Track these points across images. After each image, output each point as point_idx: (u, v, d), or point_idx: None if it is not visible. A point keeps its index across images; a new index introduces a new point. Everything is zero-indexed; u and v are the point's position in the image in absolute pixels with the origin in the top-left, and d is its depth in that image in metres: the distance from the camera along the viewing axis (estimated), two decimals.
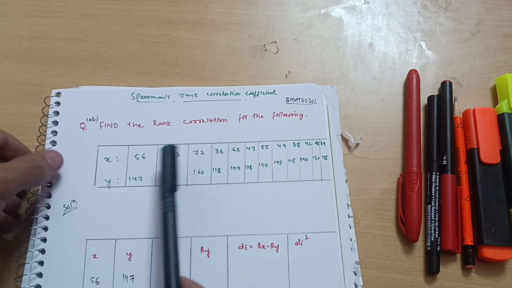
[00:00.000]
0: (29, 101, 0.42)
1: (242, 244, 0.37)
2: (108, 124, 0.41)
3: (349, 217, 0.38)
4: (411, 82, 0.43)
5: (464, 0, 0.48)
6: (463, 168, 0.40)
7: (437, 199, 0.39)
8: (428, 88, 0.44)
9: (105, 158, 0.40)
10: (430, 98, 0.43)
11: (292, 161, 0.40)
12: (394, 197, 0.40)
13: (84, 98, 0.42)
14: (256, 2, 0.47)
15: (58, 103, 0.41)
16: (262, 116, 0.41)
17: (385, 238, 0.39)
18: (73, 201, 0.38)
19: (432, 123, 0.41)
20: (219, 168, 0.39)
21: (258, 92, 0.42)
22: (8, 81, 0.43)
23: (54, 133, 0.40)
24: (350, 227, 0.38)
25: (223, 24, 0.46)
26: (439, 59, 0.45)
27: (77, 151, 0.40)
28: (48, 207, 0.38)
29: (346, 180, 0.39)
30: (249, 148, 0.40)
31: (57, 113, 0.41)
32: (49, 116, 0.41)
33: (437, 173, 0.39)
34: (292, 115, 0.41)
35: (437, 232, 0.37)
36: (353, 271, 0.36)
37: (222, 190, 0.39)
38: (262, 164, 0.40)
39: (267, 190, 0.39)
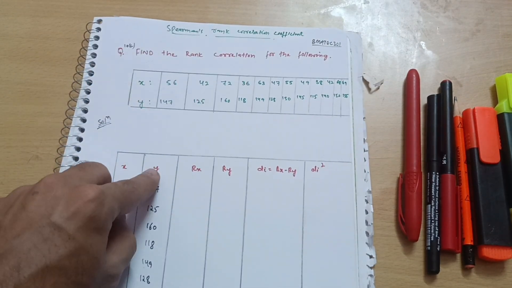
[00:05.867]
0: (29, 101, 0.42)
1: (262, 166, 0.39)
2: (144, 51, 0.43)
3: (364, 151, 0.40)
4: (411, 82, 0.43)
5: None
6: (463, 167, 0.40)
7: (437, 198, 0.39)
8: (428, 88, 0.44)
9: (139, 81, 0.42)
10: (430, 98, 0.43)
11: (314, 97, 0.42)
12: (394, 197, 0.40)
13: (123, 26, 0.45)
14: (256, 2, 0.47)
15: (98, 29, 0.44)
16: (288, 55, 0.43)
17: (385, 238, 0.39)
18: (107, 117, 0.41)
19: (432, 123, 0.41)
20: (245, 98, 0.42)
21: (286, 32, 0.44)
22: (8, 81, 0.43)
23: (94, 55, 0.43)
24: (365, 160, 0.40)
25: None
26: (439, 58, 0.45)
27: (113, 73, 0.42)
28: (84, 121, 0.41)
29: (364, 118, 0.41)
30: (273, 83, 0.42)
31: (97, 37, 0.44)
32: (89, 40, 0.44)
33: (437, 173, 0.39)
34: (316, 56, 0.43)
35: (437, 232, 0.37)
36: (365, 199, 0.38)
37: (246, 117, 0.41)
38: (285, 97, 0.42)
39: (288, 120, 0.41)
